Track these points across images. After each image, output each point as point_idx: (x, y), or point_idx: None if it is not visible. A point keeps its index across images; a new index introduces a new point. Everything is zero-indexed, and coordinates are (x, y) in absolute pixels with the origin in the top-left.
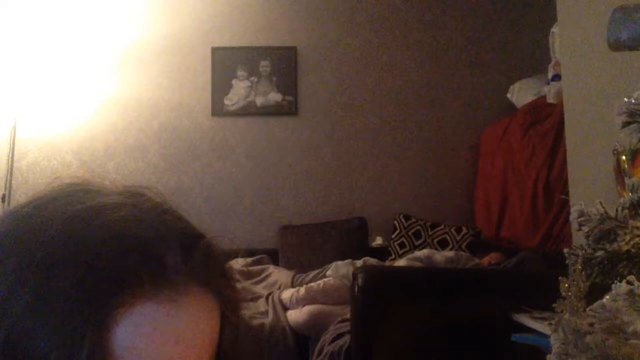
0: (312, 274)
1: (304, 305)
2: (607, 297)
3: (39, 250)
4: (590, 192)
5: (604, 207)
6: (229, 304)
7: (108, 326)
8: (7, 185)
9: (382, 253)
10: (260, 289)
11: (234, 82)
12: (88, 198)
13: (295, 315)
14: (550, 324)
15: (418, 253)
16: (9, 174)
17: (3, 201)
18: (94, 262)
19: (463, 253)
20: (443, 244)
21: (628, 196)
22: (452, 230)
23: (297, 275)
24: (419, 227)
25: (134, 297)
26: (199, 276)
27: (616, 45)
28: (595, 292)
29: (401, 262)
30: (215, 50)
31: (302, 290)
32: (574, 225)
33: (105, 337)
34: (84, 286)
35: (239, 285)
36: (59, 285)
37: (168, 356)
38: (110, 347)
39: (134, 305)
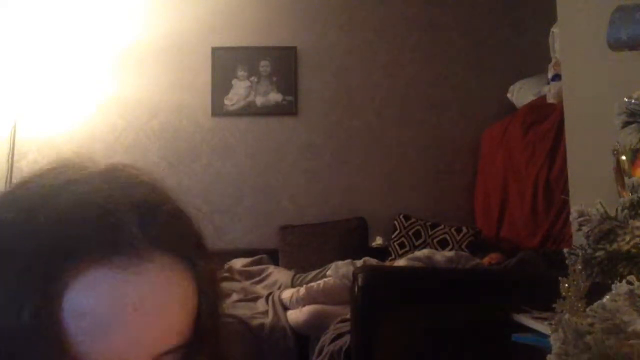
0: (312, 274)
1: (304, 305)
2: (607, 297)
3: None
4: (590, 192)
5: (604, 207)
6: (202, 274)
7: (56, 289)
8: (7, 185)
9: (382, 253)
10: (260, 289)
11: (234, 82)
12: (61, 175)
13: (295, 315)
14: (550, 324)
15: (418, 253)
16: (9, 174)
17: None
18: (48, 231)
19: (463, 253)
20: (443, 244)
21: (628, 196)
22: (452, 230)
23: (297, 275)
24: (419, 227)
25: (86, 262)
26: (163, 244)
27: (616, 45)
28: (595, 292)
29: (401, 262)
30: (215, 50)
31: (302, 290)
32: (574, 225)
33: (54, 300)
34: (36, 253)
35: (238, 285)
36: (13, 253)
37: (127, 323)
38: (59, 311)
39: (87, 269)
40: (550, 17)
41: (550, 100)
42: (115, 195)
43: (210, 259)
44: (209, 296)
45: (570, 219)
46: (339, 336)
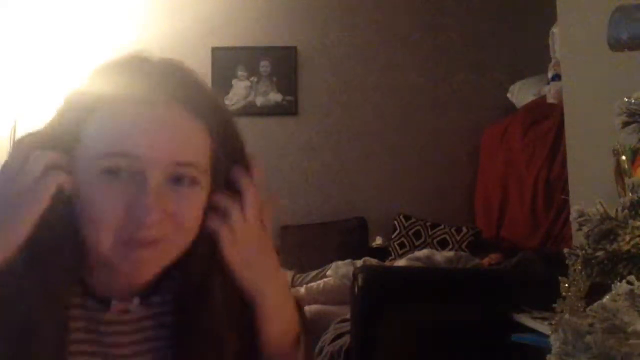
0: (312, 274)
1: (303, 306)
2: (607, 297)
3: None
4: (590, 192)
5: (604, 207)
6: (217, 132)
7: (89, 110)
8: None
9: (382, 253)
10: None
11: (234, 82)
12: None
13: None
14: (550, 324)
15: (418, 253)
16: None
17: None
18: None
19: (463, 253)
20: (443, 244)
21: (628, 196)
22: (452, 230)
23: (297, 275)
24: (419, 227)
25: (110, 97)
26: (179, 98)
27: (616, 45)
28: (595, 292)
29: (401, 262)
30: (215, 50)
31: (302, 290)
32: (574, 225)
33: (87, 118)
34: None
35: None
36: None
37: (141, 139)
38: (92, 125)
39: (110, 101)
40: (550, 17)
41: (550, 100)
42: (146, 66)
43: (230, 128)
44: (221, 151)
45: (570, 219)
46: (339, 336)
